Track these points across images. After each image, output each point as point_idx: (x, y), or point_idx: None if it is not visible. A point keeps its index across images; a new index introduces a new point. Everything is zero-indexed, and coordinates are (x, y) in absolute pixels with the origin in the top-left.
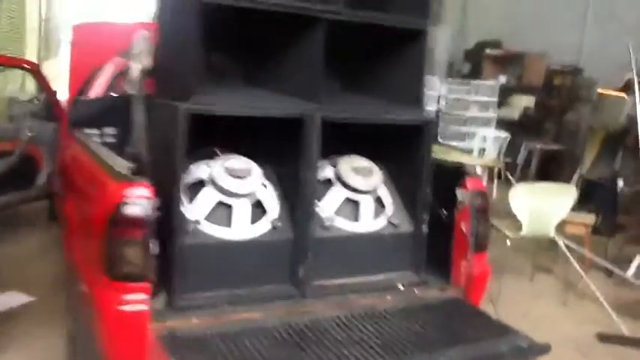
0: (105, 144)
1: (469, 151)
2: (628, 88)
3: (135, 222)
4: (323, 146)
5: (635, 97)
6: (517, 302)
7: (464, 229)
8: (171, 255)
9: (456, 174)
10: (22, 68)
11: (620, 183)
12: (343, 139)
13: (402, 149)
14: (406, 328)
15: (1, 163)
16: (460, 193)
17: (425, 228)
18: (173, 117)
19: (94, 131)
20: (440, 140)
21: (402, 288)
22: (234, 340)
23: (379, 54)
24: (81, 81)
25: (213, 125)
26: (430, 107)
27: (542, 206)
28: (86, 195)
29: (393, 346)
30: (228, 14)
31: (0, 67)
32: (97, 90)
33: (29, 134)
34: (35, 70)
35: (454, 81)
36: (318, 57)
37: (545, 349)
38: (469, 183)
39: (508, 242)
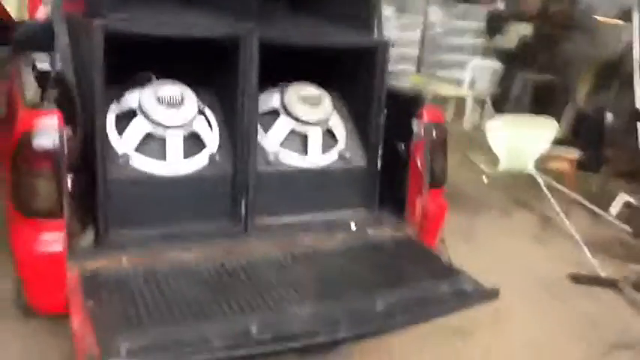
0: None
1: (458, 82)
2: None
3: (43, 154)
4: (270, 73)
5: (632, 24)
6: (489, 240)
7: (419, 163)
8: (97, 190)
9: (413, 103)
10: None
11: (609, 115)
12: (294, 64)
13: (355, 75)
14: (346, 269)
15: None
16: (416, 124)
17: (378, 162)
18: (88, 35)
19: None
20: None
21: (354, 227)
22: (159, 281)
23: None
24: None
25: (150, 48)
26: (413, 32)
27: (521, 140)
28: (9, 125)
29: (327, 287)
30: None
31: None
32: (42, 12)
33: None
34: None
35: (444, 3)
36: None
37: (492, 294)
38: (426, 113)
39: (485, 178)
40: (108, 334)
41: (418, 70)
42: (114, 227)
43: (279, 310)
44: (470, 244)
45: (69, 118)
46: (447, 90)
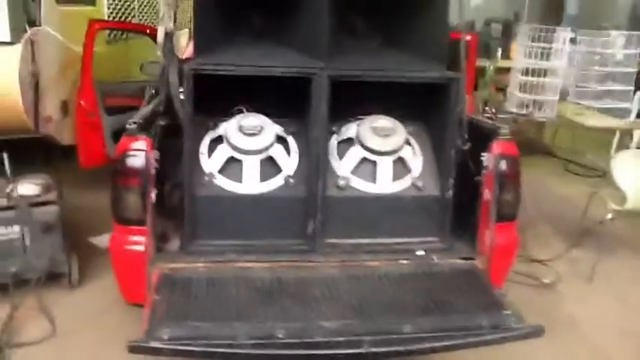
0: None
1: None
2: None
3: (133, 172)
4: (351, 104)
5: None
6: (612, 283)
7: (487, 196)
8: (185, 204)
9: (486, 136)
10: (145, 34)
11: None
12: (379, 96)
13: (431, 108)
14: (392, 292)
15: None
16: (486, 157)
17: (449, 193)
18: (185, 76)
19: None
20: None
21: (421, 253)
22: (218, 285)
23: (397, 4)
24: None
25: (245, 83)
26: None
27: None
28: None
29: (367, 308)
30: None
31: (133, 33)
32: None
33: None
34: (154, 35)
35: (587, 32)
36: (322, 9)
37: (535, 332)
38: (497, 146)
39: (609, 215)
40: (158, 322)
41: (564, 99)
42: (196, 237)
43: (309, 320)
44: (590, 284)
45: (165, 142)
46: (609, 122)
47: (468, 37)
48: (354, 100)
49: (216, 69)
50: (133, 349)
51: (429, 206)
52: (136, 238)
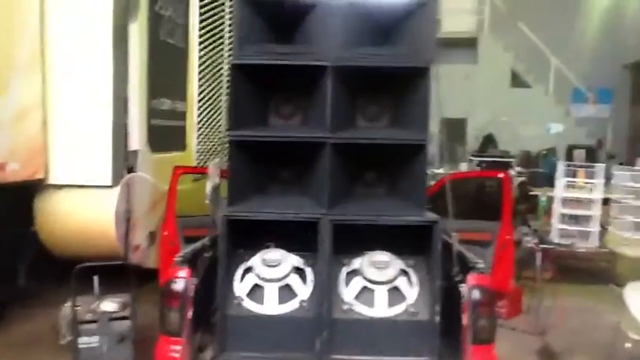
0: None
1: None
2: None
3: (175, 295)
4: (359, 241)
5: None
6: None
7: (465, 321)
8: (218, 322)
9: (462, 269)
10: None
11: None
12: (378, 235)
13: (424, 245)
14: None
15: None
16: (463, 288)
17: (437, 318)
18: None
19: None
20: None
21: None
22: None
23: (388, 165)
24: None
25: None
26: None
27: None
28: None
29: None
30: (257, 146)
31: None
32: None
33: None
34: None
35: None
36: (325, 172)
37: None
38: (470, 278)
39: (627, 344)
40: None
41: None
42: (225, 349)
43: None
44: None
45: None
46: None
47: (501, 175)
48: (361, 237)
49: (245, 216)
50: None
51: (420, 329)
52: (175, 347)
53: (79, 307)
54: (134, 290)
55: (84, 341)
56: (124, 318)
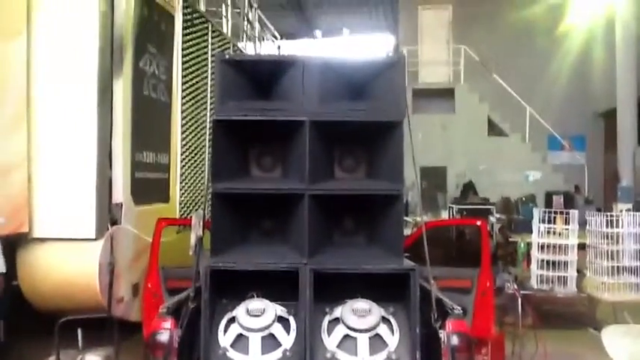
0: None
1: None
2: None
3: (159, 345)
4: (341, 289)
5: None
6: None
7: None
8: None
9: (440, 316)
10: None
11: None
12: (360, 283)
13: (403, 292)
14: None
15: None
16: (442, 333)
17: None
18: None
19: None
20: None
21: None
22: None
23: (365, 214)
24: None
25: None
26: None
27: None
28: None
29: None
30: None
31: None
32: None
33: None
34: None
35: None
36: (304, 222)
37: None
38: (448, 324)
39: None
40: None
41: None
42: None
43: None
44: None
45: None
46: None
47: (478, 223)
48: (342, 285)
49: (226, 267)
50: None
51: None
52: None
53: None
54: (117, 343)
55: None
56: None
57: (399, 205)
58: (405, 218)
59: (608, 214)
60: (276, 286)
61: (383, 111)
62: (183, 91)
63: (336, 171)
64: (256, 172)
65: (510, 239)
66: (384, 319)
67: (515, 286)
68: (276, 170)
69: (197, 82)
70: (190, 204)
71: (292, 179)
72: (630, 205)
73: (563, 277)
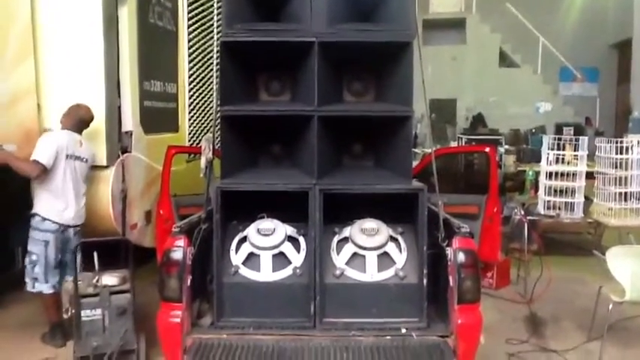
0: None
1: None
2: None
3: (174, 263)
4: (350, 210)
5: None
6: None
7: (451, 282)
8: (215, 290)
9: (447, 233)
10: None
11: None
12: (368, 204)
13: (411, 212)
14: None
15: None
16: (449, 250)
17: (424, 281)
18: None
19: None
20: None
21: (404, 331)
22: (232, 351)
23: (374, 137)
24: None
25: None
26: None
27: None
28: None
29: None
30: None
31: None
32: None
33: None
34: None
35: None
36: (313, 144)
37: None
38: (455, 241)
39: (610, 305)
40: None
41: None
42: (223, 315)
43: None
44: None
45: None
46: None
47: (486, 149)
48: (352, 206)
49: (238, 188)
50: None
51: (409, 292)
52: (175, 312)
53: (80, 282)
54: (133, 265)
55: (86, 314)
56: (123, 292)
57: (408, 128)
58: (414, 150)
59: (618, 139)
60: (286, 208)
61: (392, 32)
62: (189, 19)
63: (345, 95)
64: (265, 97)
65: (519, 169)
66: (392, 239)
67: (522, 212)
68: (284, 95)
69: (204, 10)
70: (200, 134)
71: (301, 102)
72: None
73: (571, 203)
